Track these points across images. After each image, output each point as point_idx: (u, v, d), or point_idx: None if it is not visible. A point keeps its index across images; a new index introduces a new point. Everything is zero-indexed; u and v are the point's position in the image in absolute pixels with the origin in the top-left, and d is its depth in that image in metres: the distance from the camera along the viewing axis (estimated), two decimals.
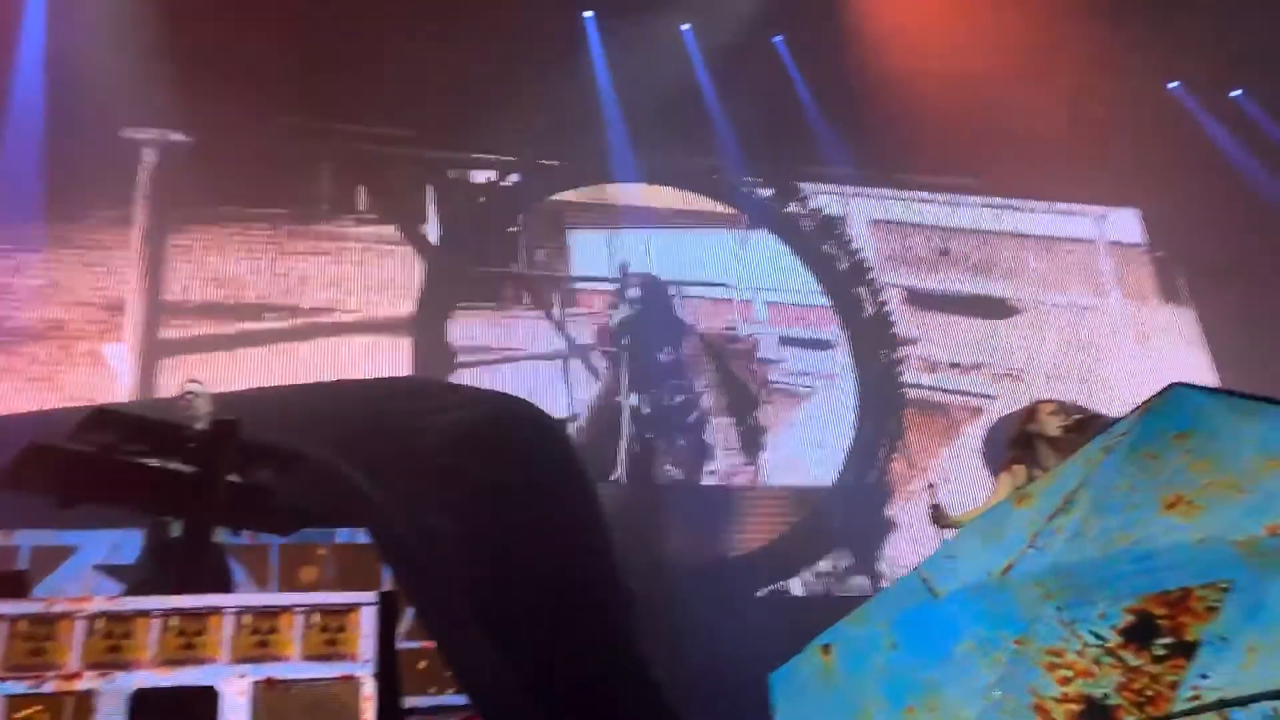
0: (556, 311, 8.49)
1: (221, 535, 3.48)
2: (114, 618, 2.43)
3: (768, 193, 9.36)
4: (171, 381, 6.20)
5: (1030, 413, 4.14)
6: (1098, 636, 1.63)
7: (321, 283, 8.03)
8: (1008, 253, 9.83)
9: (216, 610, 2.50)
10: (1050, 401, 4.18)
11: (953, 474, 8.49)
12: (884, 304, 9.19)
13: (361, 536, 3.64)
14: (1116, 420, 1.91)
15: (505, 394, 2.74)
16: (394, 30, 8.07)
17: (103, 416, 2.96)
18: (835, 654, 1.92)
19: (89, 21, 7.44)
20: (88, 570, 4.22)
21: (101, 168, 7.65)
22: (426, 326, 8.08)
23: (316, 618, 2.54)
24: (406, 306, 8.17)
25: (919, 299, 9.40)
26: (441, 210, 8.55)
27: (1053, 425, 4.01)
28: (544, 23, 8.33)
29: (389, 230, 8.37)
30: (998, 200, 9.88)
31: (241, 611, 2.51)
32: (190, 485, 3.07)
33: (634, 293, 8.68)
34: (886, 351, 9.03)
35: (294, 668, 2.49)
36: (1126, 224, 10.13)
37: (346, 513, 3.08)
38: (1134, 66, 9.15)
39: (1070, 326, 9.61)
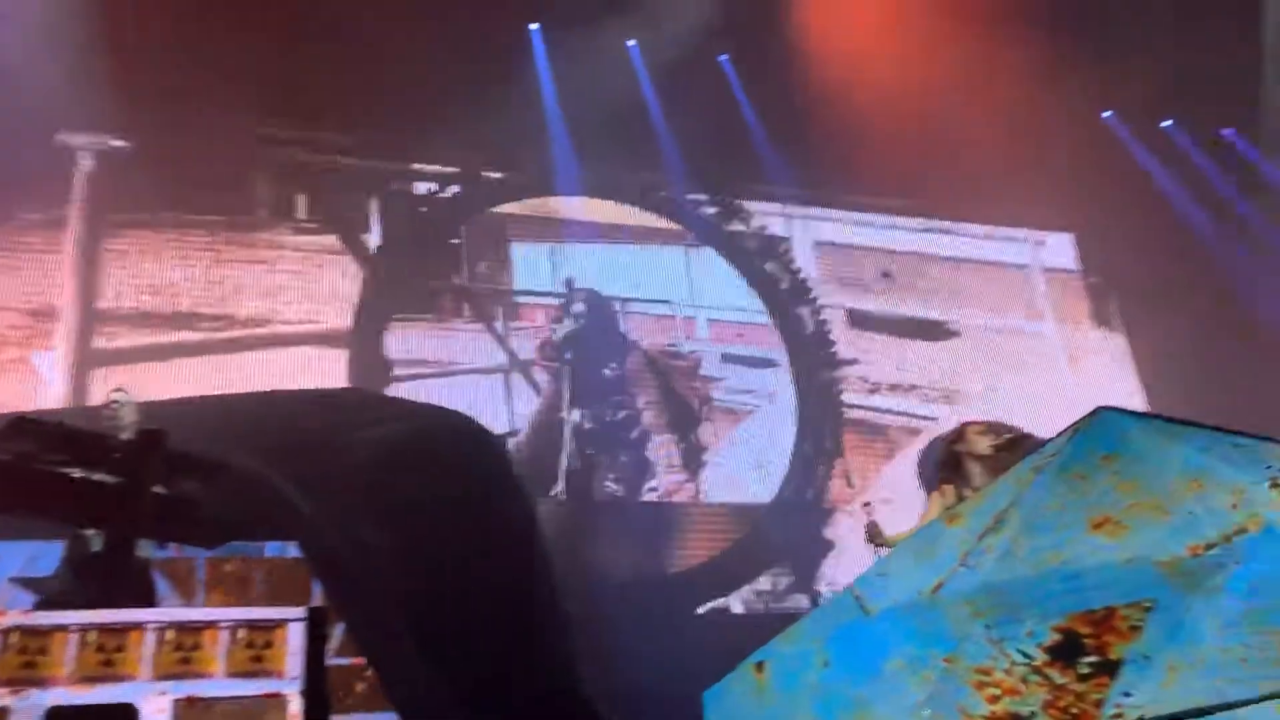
0: (499, 325, 8.45)
1: (145, 548, 3.38)
2: (29, 632, 2.35)
3: (712, 210, 9.42)
4: (103, 390, 6.04)
5: (958, 434, 4.25)
6: (1025, 655, 1.64)
7: (258, 292, 7.90)
8: (948, 277, 10.00)
9: (137, 625, 2.43)
10: (978, 422, 4.29)
11: (892, 493, 8.59)
12: (825, 324, 9.29)
13: (292, 550, 3.56)
14: (1044, 440, 1.94)
15: (441, 407, 2.71)
16: (337, 37, 7.99)
17: (22, 425, 2.86)
18: (768, 672, 1.92)
19: (24, 23, 7.26)
20: (3, 583, 4.07)
21: (34, 171, 7.45)
22: (363, 338, 7.98)
23: (242, 634, 2.48)
24: (346, 317, 8.06)
25: (861, 320, 9.52)
26: (382, 220, 8.47)
27: (981, 445, 4.11)
28: (490, 33, 8.31)
29: (328, 239, 8.26)
30: (938, 225, 10.06)
31: (163, 627, 2.44)
32: (113, 496, 2.98)
33: (579, 308, 8.67)
34: (826, 371, 9.12)
35: (217, 685, 2.43)
36: (1062, 250, 10.37)
37: (276, 525, 3.01)
38: (1070, 95, 9.40)
39: (1006, 349, 9.80)
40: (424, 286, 8.43)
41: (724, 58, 9.40)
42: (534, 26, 8.97)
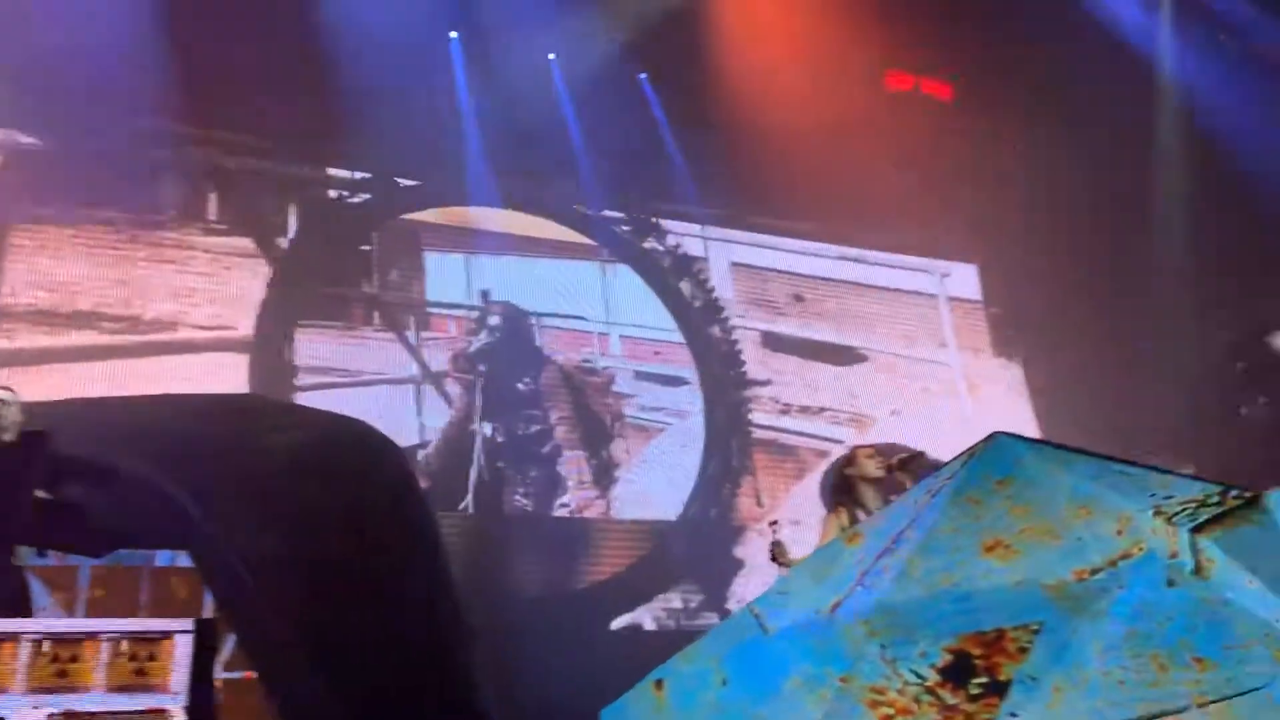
0: (410, 335, 8.32)
1: (25, 555, 3.23)
2: None
3: (627, 228, 9.44)
4: None
5: (850, 458, 4.41)
6: (918, 675, 1.67)
7: (165, 293, 7.64)
8: (858, 303, 10.20)
9: (12, 636, 2.31)
10: (867, 446, 4.47)
11: (801, 514, 8.69)
12: (736, 344, 9.38)
13: (183, 559, 3.43)
14: (933, 458, 1.99)
15: (344, 416, 2.65)
16: (253, 37, 7.81)
17: None
18: (667, 689, 1.92)
19: None
20: None
21: None
22: (267, 343, 7.76)
23: (125, 646, 2.38)
24: (254, 322, 7.86)
25: (774, 342, 9.64)
26: (292, 224, 8.28)
27: (871, 468, 4.28)
28: (409, 39, 8.20)
29: (239, 241, 8.04)
30: (850, 252, 10.27)
31: (40, 638, 2.33)
32: None
33: (494, 320, 8.60)
34: (736, 391, 9.21)
35: (96, 700, 2.33)
36: (966, 280, 10.67)
37: (167, 534, 2.91)
38: (975, 129, 9.70)
39: (912, 375, 10.03)
40: (334, 293, 8.27)
41: (643, 77, 9.45)
42: (453, 35, 8.87)
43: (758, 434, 9.17)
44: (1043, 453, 1.81)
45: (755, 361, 9.44)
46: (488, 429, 8.20)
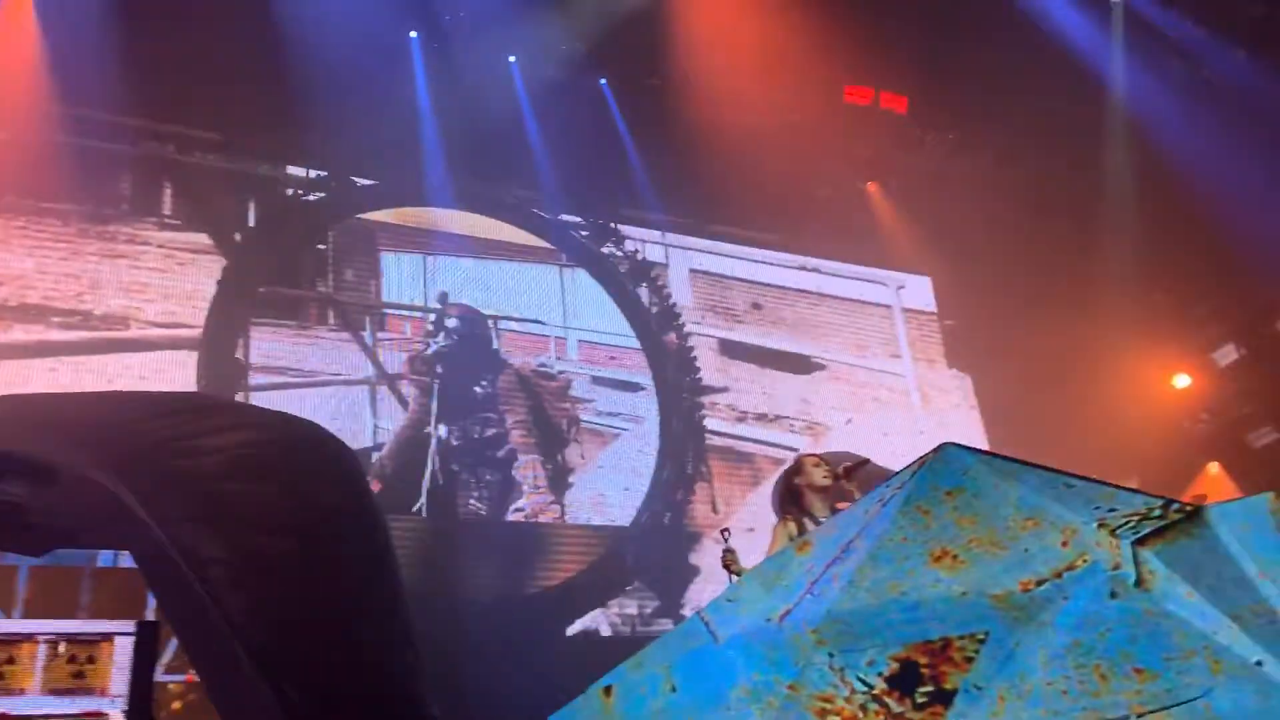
0: (367, 335, 8.24)
1: None
2: None
3: (585, 232, 9.44)
4: None
5: (797, 467, 4.45)
6: (865, 683, 1.68)
7: (116, 288, 7.49)
8: (815, 312, 10.28)
9: None
10: (813, 455, 4.52)
11: (757, 521, 8.73)
12: (692, 350, 9.41)
13: (125, 560, 3.36)
14: (882, 467, 2.00)
15: (294, 416, 2.60)
16: (211, 30, 7.71)
17: None
18: (616, 696, 1.91)
19: None
20: None
21: None
22: (218, 342, 7.64)
23: (63, 648, 2.33)
24: (205, 319, 7.74)
25: (731, 349, 9.68)
26: (247, 221, 8.18)
27: (818, 476, 4.33)
28: (369, 37, 8.13)
29: (193, 237, 7.92)
30: (810, 262, 10.35)
31: None
32: None
33: (453, 322, 8.55)
34: (692, 397, 9.24)
35: (32, 702, 2.27)
36: (920, 292, 10.81)
37: (109, 534, 2.84)
38: (931, 143, 9.84)
39: (866, 385, 10.12)
40: (288, 292, 8.17)
41: (603, 82, 9.45)
42: (413, 35, 8.81)
43: (714, 441, 9.21)
44: (991, 464, 1.83)
45: (712, 368, 9.47)
46: (443, 432, 8.14)
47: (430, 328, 8.51)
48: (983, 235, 10.26)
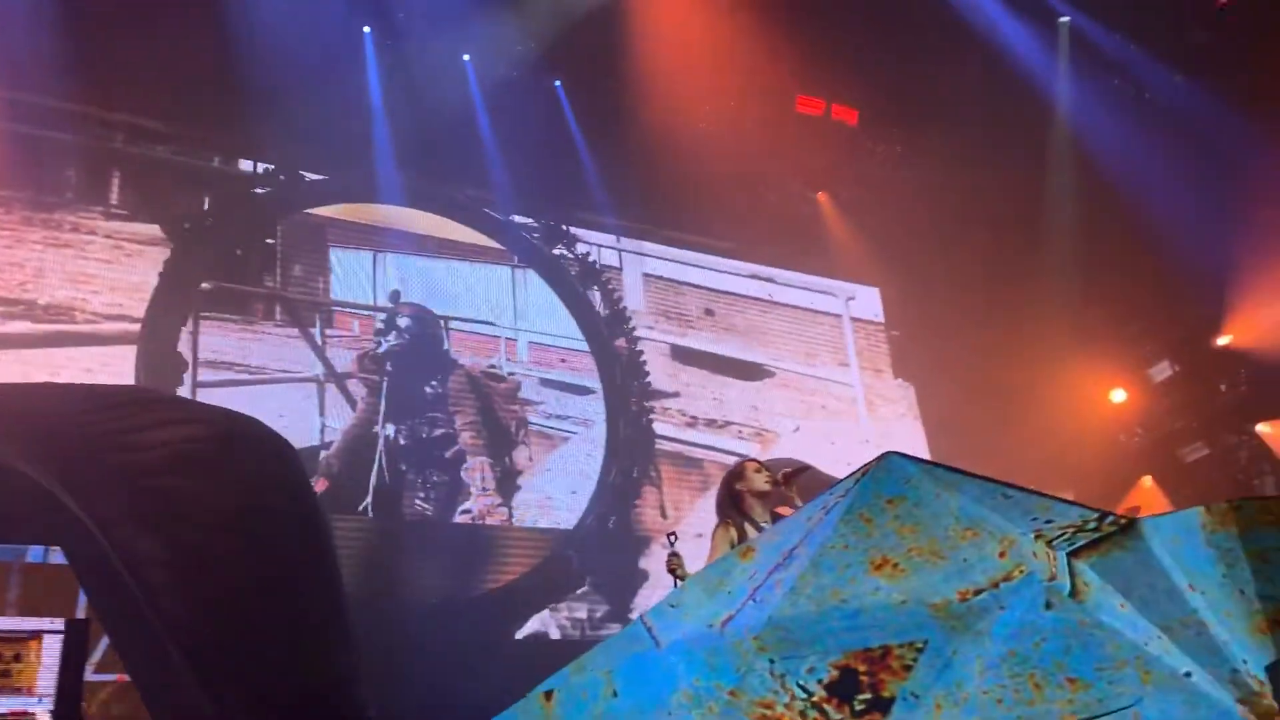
0: (315, 332, 8.13)
1: None
2: None
3: (537, 234, 9.42)
4: None
5: (739, 472, 4.47)
6: (805, 690, 1.69)
7: (61, 278, 7.31)
8: (765, 319, 10.35)
9: None
10: (754, 460, 4.54)
11: (705, 527, 8.75)
12: (642, 355, 9.42)
13: (56, 555, 3.28)
14: (823, 474, 2.02)
15: (236, 413, 2.55)
16: (160, 19, 7.57)
17: None
18: (556, 700, 1.90)
19: None
20: None
21: None
22: (161, 335, 7.49)
23: None
24: (148, 312, 7.58)
25: (683, 354, 9.71)
26: (194, 212, 8.03)
27: (759, 481, 4.36)
28: (321, 32, 8.03)
29: (142, 228, 7.75)
30: (762, 271, 10.43)
31: None
32: None
33: (404, 321, 8.47)
34: (641, 401, 9.25)
35: None
36: (869, 302, 10.94)
37: (39, 528, 2.77)
38: (880, 155, 9.97)
39: (814, 393, 10.21)
40: (235, 286, 8.04)
41: (558, 83, 9.44)
42: (366, 30, 8.72)
43: (664, 446, 9.22)
44: (932, 474, 1.85)
45: (664, 373, 9.50)
46: (391, 431, 8.07)
47: (381, 326, 8.42)
48: (928, 248, 10.42)
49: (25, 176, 7.40)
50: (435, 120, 8.61)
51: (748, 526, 4.28)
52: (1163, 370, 10.60)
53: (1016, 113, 9.60)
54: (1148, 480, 10.35)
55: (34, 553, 3.87)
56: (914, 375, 10.75)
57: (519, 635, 7.96)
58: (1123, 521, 1.67)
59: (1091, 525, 1.68)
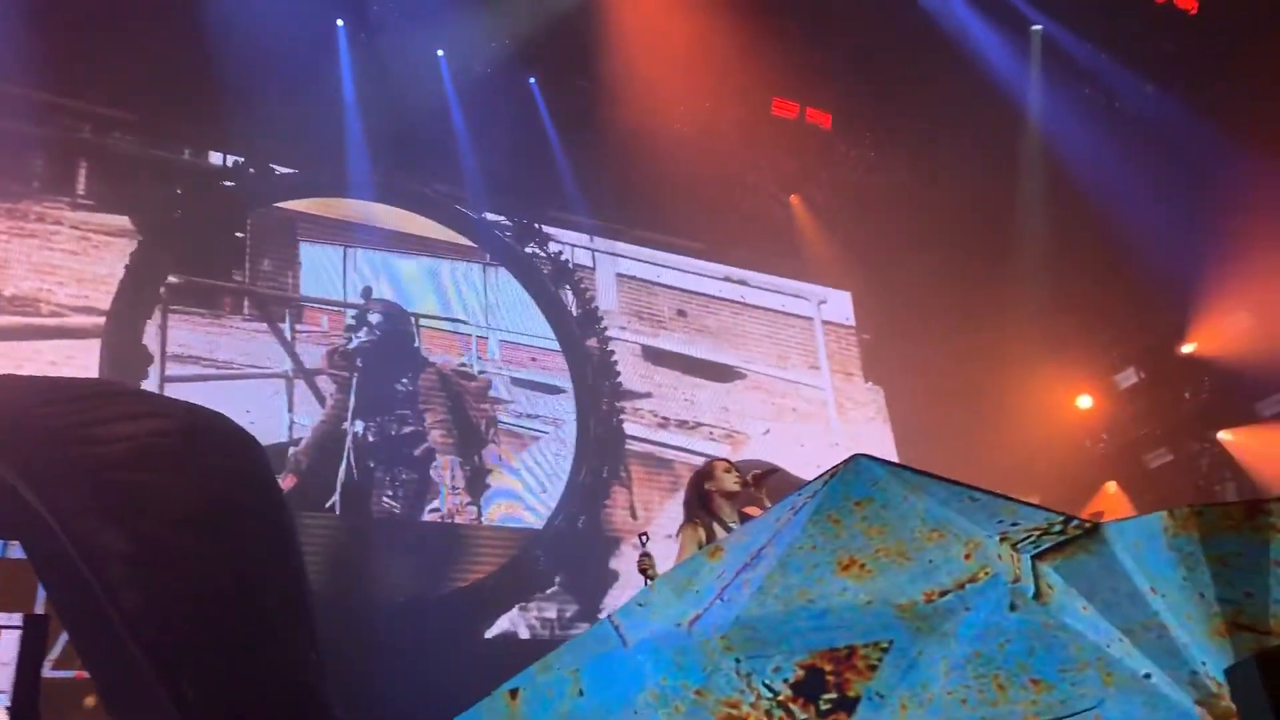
0: (285, 328, 8.06)
1: None
2: None
3: (509, 231, 9.38)
4: None
5: (708, 471, 4.47)
6: (771, 689, 1.69)
7: (26, 269, 7.20)
8: (737, 321, 10.38)
9: None
10: (724, 460, 4.55)
11: (675, 528, 8.75)
12: (613, 354, 9.41)
13: (15, 550, 3.23)
14: (791, 476, 2.02)
15: (201, 407, 2.53)
16: (132, 6, 7.47)
17: None
18: (522, 699, 1.89)
19: None
20: None
21: None
22: (126, 328, 7.40)
23: None
24: (112, 305, 7.48)
25: (655, 355, 9.71)
26: (160, 204, 7.93)
27: (728, 481, 4.37)
28: (293, 24, 7.95)
29: (109, 219, 7.65)
30: (735, 273, 10.45)
31: None
32: None
33: (375, 318, 8.41)
34: (612, 401, 9.24)
35: None
36: (840, 306, 11.00)
37: None
38: (853, 159, 10.02)
39: (785, 395, 10.25)
40: (202, 280, 7.95)
41: (533, 81, 9.40)
42: (340, 23, 8.64)
43: (635, 446, 9.22)
44: (900, 476, 1.86)
45: (635, 374, 9.49)
46: (360, 428, 8.01)
47: (352, 322, 8.36)
48: (899, 253, 10.49)
49: None
50: (408, 115, 8.56)
51: (716, 526, 4.29)
52: (1129, 377, 10.72)
53: (988, 119, 9.68)
54: (1112, 485, 10.47)
55: None
56: (884, 379, 10.82)
57: (487, 634, 7.93)
58: (1087, 525, 1.68)
59: (1056, 529, 1.69)
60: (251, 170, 8.37)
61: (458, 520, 8.21)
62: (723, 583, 1.85)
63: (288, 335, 8.05)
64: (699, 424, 9.66)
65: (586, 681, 1.84)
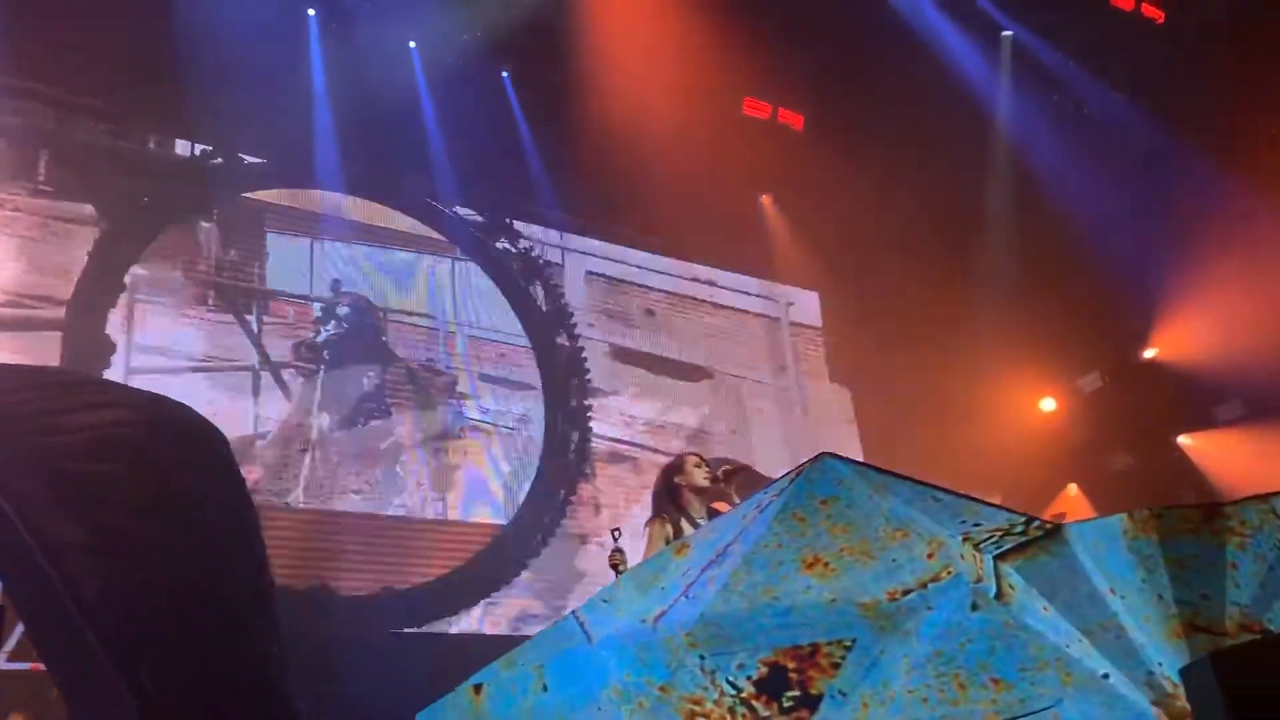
0: (251, 319, 7.97)
1: None
2: None
3: (479, 227, 9.34)
4: None
5: (678, 466, 4.47)
6: (734, 686, 1.70)
7: None
8: (706, 321, 10.40)
9: None
10: (694, 455, 4.55)
11: (640, 527, 8.76)
12: (582, 352, 9.40)
13: None
14: (760, 474, 2.03)
15: (163, 397, 2.49)
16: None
17: None
18: (486, 694, 1.89)
19: None
20: None
21: None
22: (85, 317, 7.28)
23: None
24: (74, 294, 7.37)
25: (622, 354, 9.71)
26: (126, 192, 7.82)
27: (699, 477, 4.37)
28: (264, 12, 7.85)
29: (71, 207, 7.52)
30: (703, 273, 10.47)
31: None
32: None
33: (343, 311, 8.35)
34: (579, 399, 9.23)
35: None
36: (808, 307, 11.05)
37: None
38: (823, 161, 10.07)
39: (752, 395, 10.29)
40: (167, 270, 7.85)
41: (505, 75, 9.36)
42: (311, 12, 8.56)
43: (601, 445, 9.21)
44: (865, 475, 1.87)
45: (604, 372, 9.48)
46: (326, 422, 7.95)
47: (320, 315, 8.29)
48: (867, 255, 10.57)
49: None
50: (379, 107, 8.49)
51: (684, 522, 4.29)
52: (1093, 381, 10.85)
53: (959, 124, 9.76)
54: (1073, 488, 10.59)
55: None
56: (850, 380, 10.89)
57: (452, 630, 7.90)
58: (1048, 526, 1.70)
59: (1018, 529, 1.71)
60: (219, 159, 8.27)
61: (423, 515, 8.17)
62: (688, 580, 1.86)
63: (254, 327, 7.97)
64: (666, 423, 9.67)
65: (551, 677, 1.84)
